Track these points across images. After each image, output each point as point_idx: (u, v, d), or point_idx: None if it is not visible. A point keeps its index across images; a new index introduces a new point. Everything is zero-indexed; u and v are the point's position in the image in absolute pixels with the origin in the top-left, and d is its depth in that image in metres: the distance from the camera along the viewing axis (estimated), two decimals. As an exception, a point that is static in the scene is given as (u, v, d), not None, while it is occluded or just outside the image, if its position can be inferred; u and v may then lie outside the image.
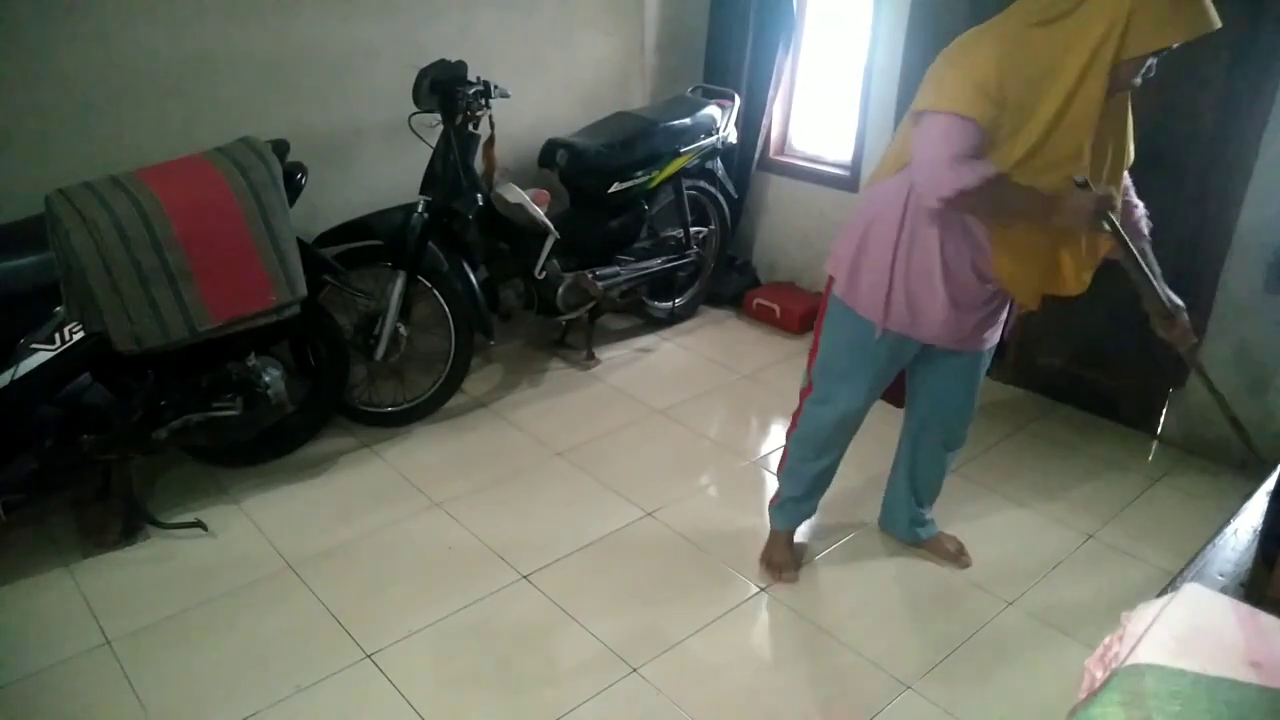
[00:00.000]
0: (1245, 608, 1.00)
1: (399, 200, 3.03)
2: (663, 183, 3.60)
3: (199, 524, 2.54)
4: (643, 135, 3.45)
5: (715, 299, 4.17)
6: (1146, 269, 1.96)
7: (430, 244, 2.99)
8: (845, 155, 3.91)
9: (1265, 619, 0.98)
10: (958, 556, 2.51)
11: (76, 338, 2.25)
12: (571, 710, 2.00)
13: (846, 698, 2.07)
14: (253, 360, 2.55)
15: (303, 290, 2.47)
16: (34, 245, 2.21)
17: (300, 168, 2.63)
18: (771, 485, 2.87)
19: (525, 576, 2.42)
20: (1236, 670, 0.91)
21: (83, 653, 2.11)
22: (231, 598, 2.30)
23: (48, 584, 2.33)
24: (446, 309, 3.08)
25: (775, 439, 3.17)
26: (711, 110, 3.67)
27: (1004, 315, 2.18)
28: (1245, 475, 2.86)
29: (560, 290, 3.38)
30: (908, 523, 2.52)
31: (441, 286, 3.06)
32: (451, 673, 2.10)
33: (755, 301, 4.07)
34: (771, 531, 2.49)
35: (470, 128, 3.02)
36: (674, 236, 3.78)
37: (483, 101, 2.99)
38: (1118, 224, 1.82)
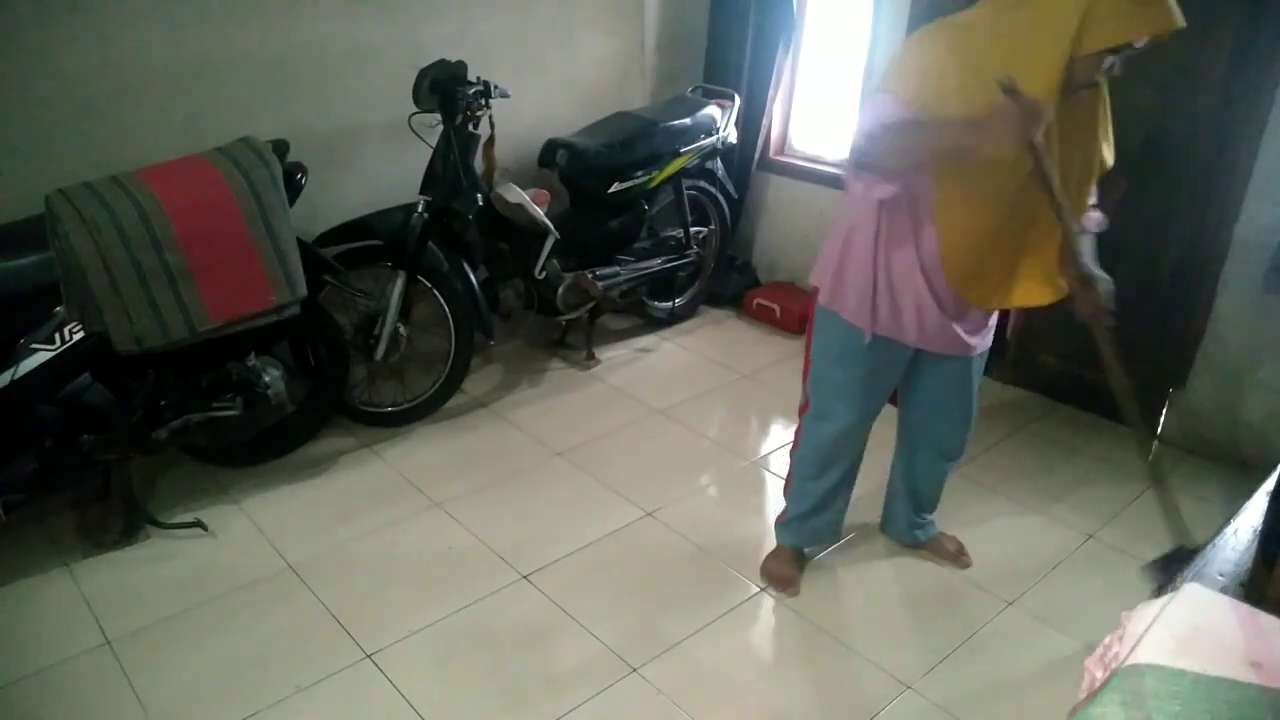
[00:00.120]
0: (1245, 608, 1.00)
1: (399, 200, 3.03)
2: (663, 183, 3.60)
3: (199, 524, 2.54)
4: (643, 135, 3.45)
5: (715, 299, 4.17)
6: (1070, 224, 1.80)
7: (430, 244, 2.99)
8: (845, 155, 3.90)
9: (1265, 619, 0.98)
10: (958, 557, 2.51)
11: (76, 338, 2.25)
12: (571, 710, 2.00)
13: (846, 698, 2.07)
14: (253, 360, 2.55)
15: (303, 290, 2.47)
16: (34, 245, 2.21)
17: (300, 168, 2.63)
18: (772, 484, 2.88)
19: (525, 576, 2.41)
20: (1236, 670, 0.91)
21: (83, 653, 2.11)
22: (231, 598, 2.30)
23: (48, 584, 2.32)
24: (446, 309, 3.08)
25: (775, 439, 3.17)
26: (711, 110, 3.67)
27: (993, 320, 2.16)
28: (1246, 475, 2.86)
29: (560, 290, 3.38)
30: (907, 526, 2.52)
31: (441, 286, 3.06)
32: (451, 673, 2.10)
33: (755, 301, 4.07)
34: (777, 545, 2.48)
35: (470, 128, 3.02)
36: (674, 236, 3.78)
37: (483, 101, 2.98)
38: (1041, 149, 1.65)
